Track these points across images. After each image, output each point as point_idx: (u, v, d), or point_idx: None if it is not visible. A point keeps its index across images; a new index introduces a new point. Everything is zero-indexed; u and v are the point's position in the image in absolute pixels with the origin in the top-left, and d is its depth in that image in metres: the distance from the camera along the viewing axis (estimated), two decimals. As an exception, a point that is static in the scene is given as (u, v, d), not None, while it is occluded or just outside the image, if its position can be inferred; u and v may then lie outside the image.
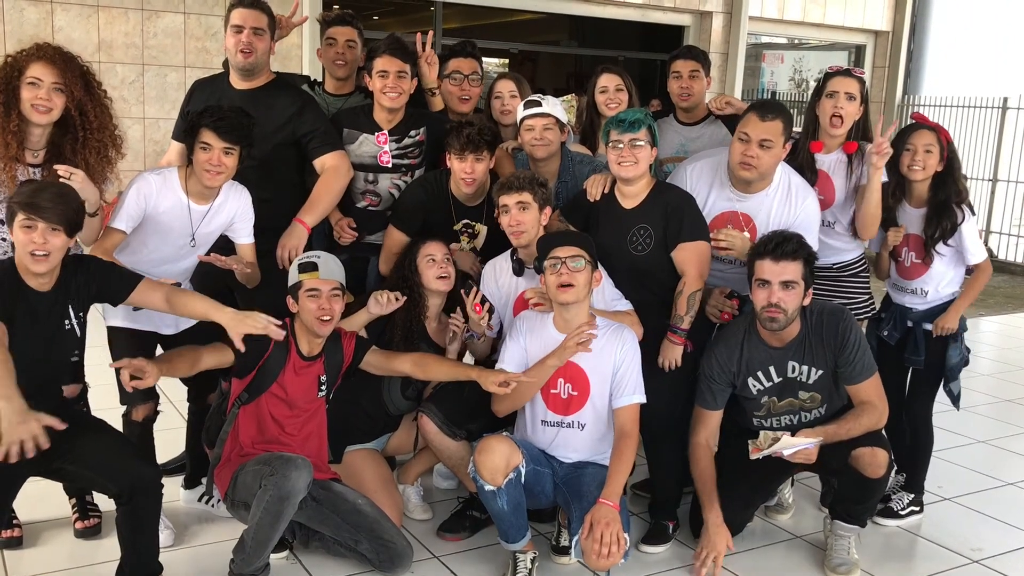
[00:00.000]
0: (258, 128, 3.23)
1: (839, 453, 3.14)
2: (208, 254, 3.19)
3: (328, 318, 3.11)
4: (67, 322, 2.78)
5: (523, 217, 3.30)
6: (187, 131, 3.18)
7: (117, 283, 2.87)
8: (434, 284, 3.44)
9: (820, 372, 3.24)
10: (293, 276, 3.15)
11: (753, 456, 3.11)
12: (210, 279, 3.39)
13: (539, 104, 3.62)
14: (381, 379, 3.47)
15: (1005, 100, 10.33)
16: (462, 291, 3.39)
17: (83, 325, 2.87)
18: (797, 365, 3.25)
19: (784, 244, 3.13)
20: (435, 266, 3.42)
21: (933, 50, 11.12)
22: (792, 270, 3.12)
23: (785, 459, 3.14)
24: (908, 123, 3.57)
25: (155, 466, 3.08)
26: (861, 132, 3.64)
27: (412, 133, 3.73)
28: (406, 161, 3.75)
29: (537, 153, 3.63)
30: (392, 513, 3.30)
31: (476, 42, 4.10)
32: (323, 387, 3.22)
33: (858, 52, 11.08)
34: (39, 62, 2.93)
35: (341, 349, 3.26)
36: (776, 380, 3.27)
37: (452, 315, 3.48)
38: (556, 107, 3.65)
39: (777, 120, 3.31)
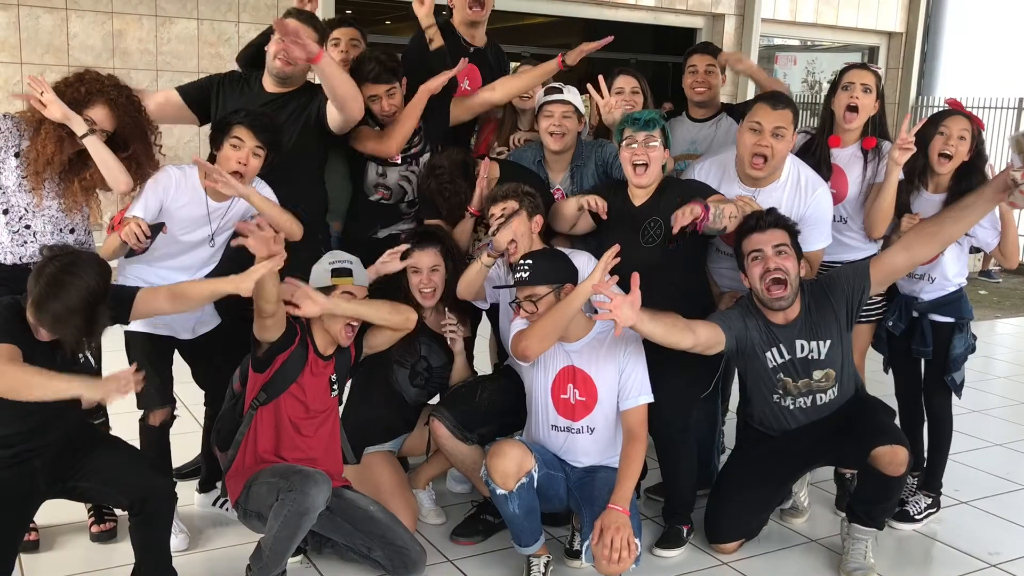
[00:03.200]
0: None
1: (858, 451, 3.12)
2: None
3: (357, 325, 3.12)
4: (80, 356, 2.77)
5: (513, 223, 3.23)
6: (217, 128, 3.21)
7: (115, 307, 2.79)
8: (416, 296, 3.42)
9: (829, 342, 3.24)
10: (323, 279, 3.11)
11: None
12: (234, 268, 3.38)
13: (560, 91, 3.64)
14: (388, 370, 3.48)
15: (1020, 100, 10.25)
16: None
17: (97, 351, 2.86)
18: (805, 343, 3.24)
19: (764, 216, 3.20)
20: (416, 277, 3.41)
21: (947, 51, 11.04)
22: (780, 235, 3.17)
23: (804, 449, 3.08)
24: (923, 125, 3.52)
25: (166, 476, 3.07)
26: (878, 130, 3.62)
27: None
28: (411, 151, 3.77)
29: (553, 145, 3.63)
30: (407, 517, 3.30)
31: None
32: (334, 386, 3.22)
33: (871, 54, 11.01)
34: (105, 106, 2.99)
35: (348, 348, 3.26)
36: (787, 357, 3.26)
37: (449, 320, 3.47)
38: (576, 96, 3.65)
39: (787, 109, 3.34)
